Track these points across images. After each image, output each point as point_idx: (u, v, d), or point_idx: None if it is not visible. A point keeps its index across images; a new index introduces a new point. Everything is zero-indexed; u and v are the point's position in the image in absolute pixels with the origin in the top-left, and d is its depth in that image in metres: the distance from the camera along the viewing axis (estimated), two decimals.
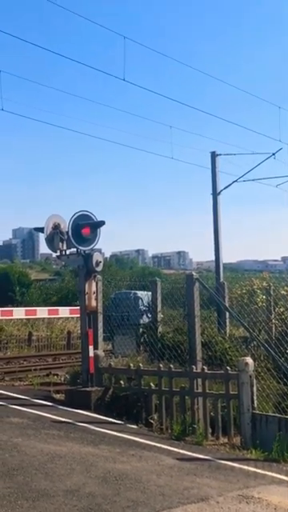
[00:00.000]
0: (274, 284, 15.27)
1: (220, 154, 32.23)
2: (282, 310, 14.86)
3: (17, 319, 27.57)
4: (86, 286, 11.98)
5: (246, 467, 8.21)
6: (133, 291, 15.16)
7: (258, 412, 9.60)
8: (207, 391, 10.26)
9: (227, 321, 13.61)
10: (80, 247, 11.97)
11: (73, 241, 11.90)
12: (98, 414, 10.81)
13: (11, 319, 27.30)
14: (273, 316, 14.40)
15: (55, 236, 11.89)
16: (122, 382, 11.31)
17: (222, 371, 10.25)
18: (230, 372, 10.07)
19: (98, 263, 11.93)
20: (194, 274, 11.39)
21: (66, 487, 6.82)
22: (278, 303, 15.13)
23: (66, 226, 11.91)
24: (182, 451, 8.84)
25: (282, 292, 15.40)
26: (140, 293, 14.85)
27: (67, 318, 28.66)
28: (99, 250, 12.29)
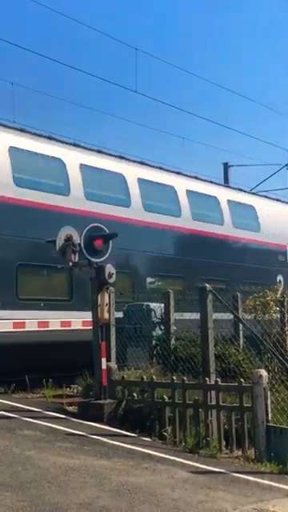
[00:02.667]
0: None
1: (232, 165, 32.42)
2: None
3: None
4: (99, 298, 11.96)
5: (260, 480, 8.14)
6: (145, 303, 15.08)
7: (272, 424, 9.52)
8: (221, 404, 10.19)
9: (241, 333, 13.53)
10: (92, 259, 11.96)
11: (85, 253, 11.90)
12: (111, 426, 10.77)
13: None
14: (286, 328, 14.29)
15: (67, 248, 11.88)
16: (135, 394, 11.26)
17: (236, 383, 10.19)
18: (243, 384, 10.00)
19: (110, 275, 11.92)
20: (207, 285, 11.33)
21: (80, 500, 6.77)
22: None
23: (78, 237, 11.91)
24: (195, 464, 8.78)
25: None
26: (153, 305, 14.80)
27: None
28: (111, 262, 12.24)
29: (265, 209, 23.33)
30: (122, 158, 18.95)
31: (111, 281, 11.96)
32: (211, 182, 22.26)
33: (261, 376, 9.62)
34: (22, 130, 16.41)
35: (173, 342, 12.87)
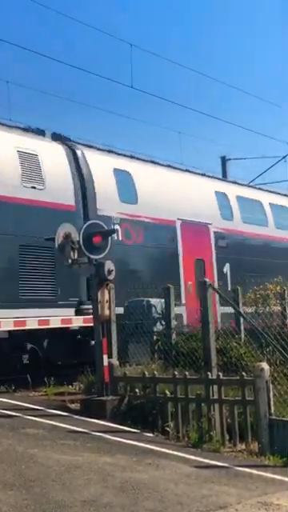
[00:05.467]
0: None
1: (230, 159, 32.35)
2: None
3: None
4: (99, 294, 11.95)
5: (264, 473, 8.13)
6: (146, 299, 15.09)
7: (275, 417, 9.51)
8: (223, 398, 10.18)
9: (242, 326, 13.54)
10: (91, 256, 11.95)
11: (84, 250, 11.88)
12: (114, 422, 10.76)
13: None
14: (287, 321, 14.29)
15: (66, 245, 11.86)
16: (137, 390, 11.25)
17: (238, 377, 10.17)
18: (245, 378, 9.98)
19: (110, 271, 11.89)
20: (206, 280, 11.33)
21: (84, 498, 6.77)
22: None
23: (76, 235, 11.89)
24: (199, 459, 8.77)
25: None
26: (153, 300, 14.79)
27: None
28: (111, 259, 12.24)
29: None
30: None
31: (111, 277, 11.93)
32: None
33: (262, 369, 9.60)
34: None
35: (174, 336, 12.88)
